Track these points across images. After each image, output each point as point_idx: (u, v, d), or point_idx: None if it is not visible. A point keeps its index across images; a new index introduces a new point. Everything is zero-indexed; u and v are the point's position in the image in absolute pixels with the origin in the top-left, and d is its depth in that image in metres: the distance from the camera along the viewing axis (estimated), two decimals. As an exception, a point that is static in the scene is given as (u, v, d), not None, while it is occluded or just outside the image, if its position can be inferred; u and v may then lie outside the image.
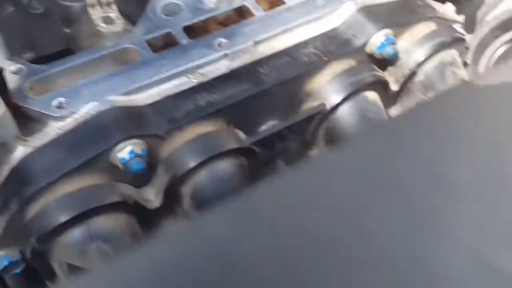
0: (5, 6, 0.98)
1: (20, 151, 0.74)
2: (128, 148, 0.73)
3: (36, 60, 0.91)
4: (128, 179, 0.77)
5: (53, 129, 0.75)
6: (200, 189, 0.77)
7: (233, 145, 0.78)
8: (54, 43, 1.09)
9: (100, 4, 0.88)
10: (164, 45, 0.90)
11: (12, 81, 0.79)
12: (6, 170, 0.74)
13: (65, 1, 1.04)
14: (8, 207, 0.72)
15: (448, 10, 1.18)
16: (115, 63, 0.86)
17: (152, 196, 0.78)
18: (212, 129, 0.80)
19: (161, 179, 0.77)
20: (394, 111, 0.99)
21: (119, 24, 0.88)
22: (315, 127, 0.89)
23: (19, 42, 1.01)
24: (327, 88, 0.89)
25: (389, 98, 0.96)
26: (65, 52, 1.10)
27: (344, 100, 0.87)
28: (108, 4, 0.89)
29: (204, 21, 0.94)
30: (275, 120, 0.91)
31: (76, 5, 1.05)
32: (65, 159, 0.73)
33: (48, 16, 1.01)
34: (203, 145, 0.77)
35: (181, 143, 0.78)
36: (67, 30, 1.08)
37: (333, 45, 0.92)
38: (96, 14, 0.88)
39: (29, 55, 1.06)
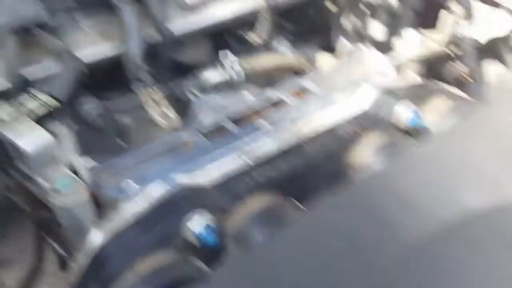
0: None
1: (97, 237, 0.76)
2: (201, 222, 0.77)
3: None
4: (201, 255, 0.79)
5: (127, 212, 0.80)
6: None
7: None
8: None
9: (158, 104, 0.99)
10: (215, 135, 0.99)
11: (83, 171, 0.85)
12: (84, 256, 0.76)
13: (118, 116, 1.15)
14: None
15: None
16: (174, 153, 0.94)
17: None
18: (274, 202, 0.85)
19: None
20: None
21: (176, 120, 0.98)
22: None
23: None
24: (370, 160, 0.96)
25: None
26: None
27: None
28: (164, 104, 1.00)
29: (246, 115, 1.05)
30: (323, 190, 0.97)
31: (129, 119, 1.16)
32: (142, 240, 0.76)
33: (106, 129, 1.11)
34: (269, 219, 0.81)
35: (248, 218, 0.82)
36: (121, 142, 1.18)
37: (366, 122, 1.02)
38: (154, 111, 0.98)
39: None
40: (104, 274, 0.73)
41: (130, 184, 0.82)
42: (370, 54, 1.23)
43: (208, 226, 0.77)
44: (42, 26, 0.90)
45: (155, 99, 0.99)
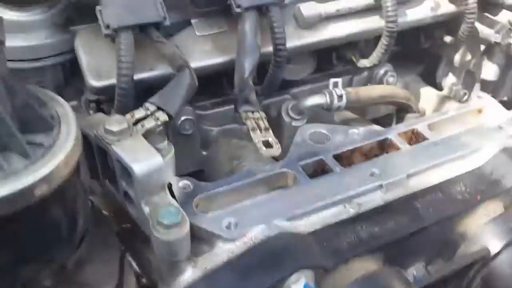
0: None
1: (189, 273, 0.71)
2: (303, 281, 0.70)
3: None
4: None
5: (223, 251, 0.74)
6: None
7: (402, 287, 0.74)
8: (192, 163, 1.13)
9: (260, 129, 0.92)
10: (316, 171, 0.92)
11: (180, 196, 0.79)
12: (170, 290, 0.71)
13: (207, 126, 1.10)
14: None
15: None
16: (271, 187, 0.87)
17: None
18: (378, 268, 0.77)
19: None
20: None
21: (277, 148, 0.90)
22: (475, 273, 0.85)
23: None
24: (485, 231, 0.86)
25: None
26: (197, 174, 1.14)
27: (506, 246, 0.84)
28: (267, 129, 0.92)
29: (350, 152, 0.96)
30: (422, 263, 0.88)
31: (216, 129, 1.11)
32: (234, 286, 0.70)
33: (192, 138, 1.06)
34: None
35: (348, 280, 0.74)
36: (204, 153, 1.13)
37: (483, 185, 0.91)
38: (257, 137, 0.91)
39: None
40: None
41: (229, 220, 0.76)
42: (490, 102, 1.11)
43: (308, 286, 0.70)
44: (159, 27, 0.85)
45: (259, 123, 0.91)
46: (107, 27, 0.83)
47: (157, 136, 0.76)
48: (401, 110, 1.27)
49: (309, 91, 1.18)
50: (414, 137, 1.02)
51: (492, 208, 0.89)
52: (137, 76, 0.88)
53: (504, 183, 0.92)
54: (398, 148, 0.96)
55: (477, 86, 1.41)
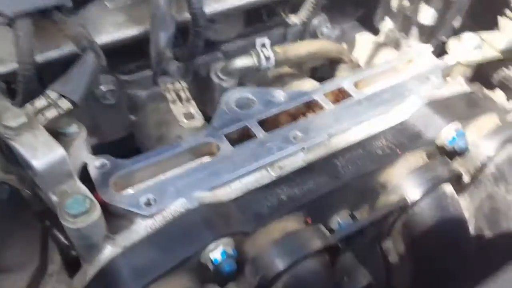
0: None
1: (108, 251, 0.72)
2: (220, 249, 0.72)
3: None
4: (216, 278, 0.75)
5: (142, 227, 0.75)
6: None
7: (320, 244, 0.77)
8: (119, 130, 1.11)
9: (181, 100, 0.90)
10: (240, 137, 0.92)
11: (96, 176, 0.79)
12: (92, 270, 0.73)
13: (132, 90, 1.07)
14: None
15: (500, 97, 1.22)
16: (194, 157, 0.87)
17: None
18: (297, 227, 0.80)
19: (249, 279, 0.75)
20: (464, 202, 0.98)
21: (199, 119, 0.90)
22: (393, 221, 0.89)
23: (88, 129, 1.03)
24: (404, 182, 0.89)
25: (460, 189, 0.97)
26: (127, 138, 1.14)
27: (424, 195, 0.88)
28: (188, 100, 0.91)
29: (276, 114, 0.96)
30: (346, 210, 0.91)
31: (143, 93, 1.09)
32: (156, 261, 0.71)
33: (117, 106, 1.04)
34: (291, 246, 0.76)
35: (269, 242, 0.77)
36: (132, 117, 1.11)
37: (404, 138, 0.94)
38: (177, 109, 0.89)
39: (93, 140, 1.08)
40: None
41: (149, 198, 0.77)
42: (420, 52, 1.11)
43: (226, 253, 0.73)
44: (61, 9, 0.80)
45: (179, 94, 0.90)
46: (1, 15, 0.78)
47: (63, 120, 0.74)
48: (334, 62, 1.27)
49: (241, 48, 1.16)
50: (341, 95, 1.03)
51: (414, 160, 0.92)
52: (43, 58, 0.84)
53: (427, 135, 0.94)
54: (323, 108, 0.98)
55: (414, 30, 1.41)
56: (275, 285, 0.75)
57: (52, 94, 0.74)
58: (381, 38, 1.40)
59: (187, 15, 0.92)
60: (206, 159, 0.88)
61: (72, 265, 0.82)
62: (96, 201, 0.69)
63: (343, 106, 0.97)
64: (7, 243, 0.74)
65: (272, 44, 1.09)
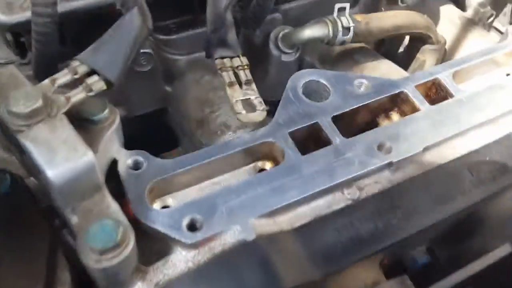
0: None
1: (138, 288, 0.55)
2: (283, 304, 0.55)
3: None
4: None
5: (182, 259, 0.56)
6: None
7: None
8: (150, 102, 0.91)
9: (240, 83, 0.69)
10: (308, 138, 0.72)
11: (128, 180, 0.60)
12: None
13: (171, 55, 0.86)
14: None
15: None
16: (250, 161, 0.68)
17: None
18: (375, 276, 0.62)
19: None
20: None
21: (261, 112, 0.69)
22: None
23: (112, 99, 0.83)
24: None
25: None
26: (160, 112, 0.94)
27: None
28: (249, 83, 0.69)
29: (354, 109, 0.75)
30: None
31: (182, 60, 0.87)
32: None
33: (152, 74, 0.83)
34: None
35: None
36: (167, 88, 0.90)
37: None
38: (236, 96, 0.68)
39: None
40: None
41: (193, 219, 0.58)
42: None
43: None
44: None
45: (238, 74, 0.68)
46: None
47: (92, 101, 0.54)
48: (417, 40, 1.03)
49: (307, 7, 0.93)
50: (435, 89, 0.81)
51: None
52: (69, 7, 0.62)
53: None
54: (414, 107, 0.76)
55: (508, 8, 1.16)
56: None
57: (80, 67, 0.53)
58: (469, 13, 1.15)
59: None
60: (263, 164, 0.69)
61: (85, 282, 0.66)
62: (130, 229, 0.50)
63: (442, 106, 0.75)
64: (5, 258, 0.57)
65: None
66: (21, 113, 0.48)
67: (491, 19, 1.13)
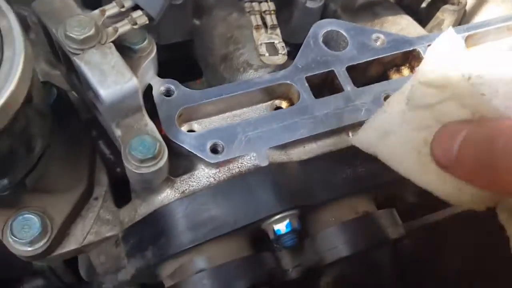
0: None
1: (166, 194, 0.65)
2: (286, 221, 0.65)
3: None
4: (270, 245, 0.69)
5: (205, 175, 0.67)
6: (347, 276, 0.69)
7: (395, 234, 0.70)
8: (178, 33, 0.97)
9: (266, 27, 0.75)
10: (322, 83, 0.79)
11: (161, 104, 0.68)
12: (145, 208, 0.66)
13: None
14: (143, 254, 0.65)
15: None
16: (269, 98, 0.76)
17: (290, 267, 0.70)
18: (370, 210, 0.71)
19: (306, 256, 0.69)
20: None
21: (282, 56, 0.75)
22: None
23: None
24: None
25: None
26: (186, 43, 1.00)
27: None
28: (274, 28, 0.76)
29: (367, 62, 0.82)
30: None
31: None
32: (215, 220, 0.64)
33: (183, 7, 0.89)
34: (362, 232, 0.69)
35: (337, 223, 0.69)
36: (196, 22, 0.96)
37: None
38: (261, 39, 0.75)
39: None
40: (165, 245, 0.64)
41: (216, 144, 0.67)
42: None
43: (291, 226, 0.65)
44: None
45: (265, 19, 0.74)
46: None
47: (134, 33, 0.61)
48: (437, -1, 1.07)
49: None
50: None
51: None
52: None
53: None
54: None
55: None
56: (333, 268, 0.69)
57: (126, 1, 0.60)
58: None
59: None
60: (280, 102, 0.77)
61: (117, 186, 0.76)
62: (164, 146, 0.60)
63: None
64: (53, 162, 0.66)
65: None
66: (77, 39, 0.56)
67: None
